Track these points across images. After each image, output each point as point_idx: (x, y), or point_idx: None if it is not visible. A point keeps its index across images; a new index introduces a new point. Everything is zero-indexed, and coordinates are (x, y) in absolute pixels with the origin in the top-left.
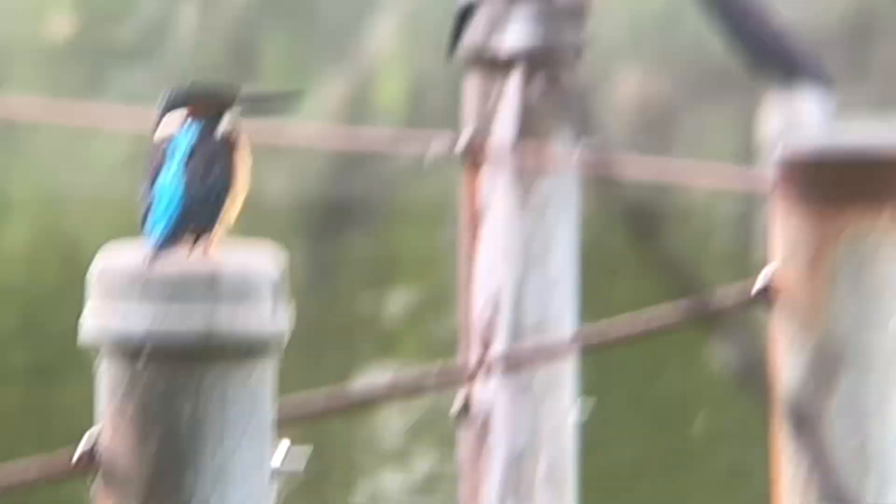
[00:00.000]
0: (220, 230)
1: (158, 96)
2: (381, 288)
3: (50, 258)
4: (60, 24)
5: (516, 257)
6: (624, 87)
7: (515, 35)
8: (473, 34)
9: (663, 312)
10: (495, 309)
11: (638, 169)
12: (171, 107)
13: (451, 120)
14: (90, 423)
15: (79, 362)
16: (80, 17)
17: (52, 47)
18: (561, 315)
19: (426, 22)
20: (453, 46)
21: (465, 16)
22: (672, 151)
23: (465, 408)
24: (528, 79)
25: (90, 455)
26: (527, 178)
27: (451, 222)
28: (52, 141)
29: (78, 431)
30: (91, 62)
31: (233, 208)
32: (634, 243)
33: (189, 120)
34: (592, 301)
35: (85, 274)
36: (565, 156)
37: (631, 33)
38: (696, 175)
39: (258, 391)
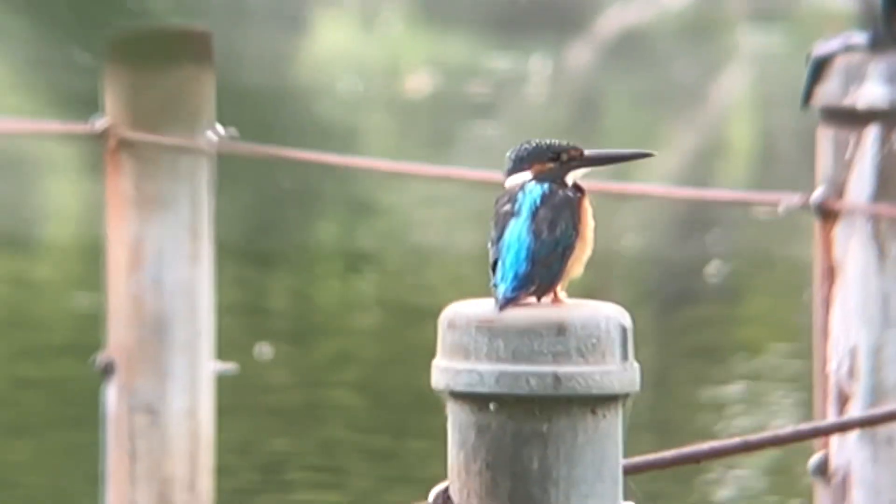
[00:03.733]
0: (565, 283)
1: (507, 153)
2: (729, 349)
3: (399, 310)
4: (418, 83)
5: (874, 316)
6: None
7: (874, 89)
8: (829, 86)
9: None
10: (852, 368)
11: None
12: (519, 163)
13: (804, 173)
14: (441, 471)
15: (428, 411)
16: (434, 76)
17: (409, 103)
18: None
19: (779, 73)
20: (807, 98)
21: (820, 67)
22: None
23: (822, 466)
24: (886, 134)
25: (443, 501)
26: (884, 235)
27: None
28: (403, 197)
29: (430, 478)
30: (444, 118)
31: (578, 263)
32: None
33: (536, 176)
34: None
35: (435, 325)
36: None
37: None
38: None
39: (607, 442)
